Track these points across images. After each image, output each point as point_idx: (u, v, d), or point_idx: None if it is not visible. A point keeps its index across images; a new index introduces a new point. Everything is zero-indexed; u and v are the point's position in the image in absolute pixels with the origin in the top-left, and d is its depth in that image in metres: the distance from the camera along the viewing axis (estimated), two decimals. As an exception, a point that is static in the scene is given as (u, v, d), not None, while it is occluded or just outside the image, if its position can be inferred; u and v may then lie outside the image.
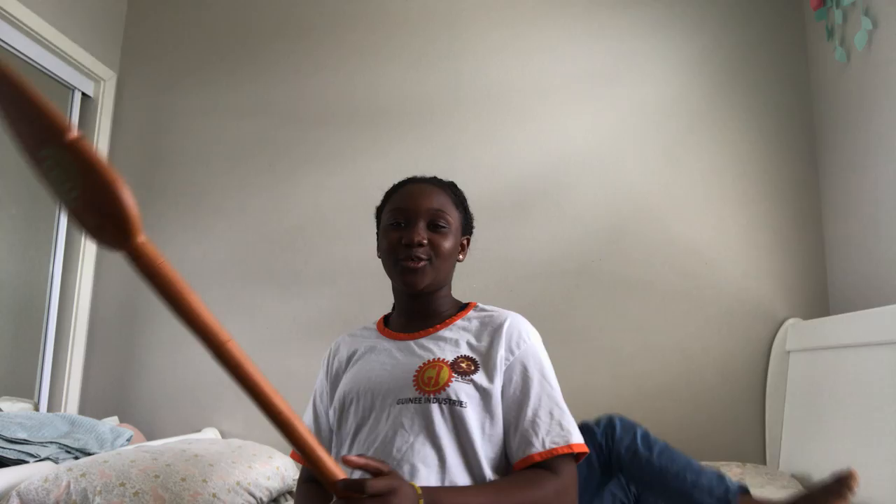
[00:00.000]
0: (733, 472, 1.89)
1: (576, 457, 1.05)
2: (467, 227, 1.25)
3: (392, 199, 1.21)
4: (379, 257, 1.22)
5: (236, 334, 2.75)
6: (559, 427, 1.04)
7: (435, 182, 1.23)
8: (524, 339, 1.12)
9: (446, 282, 1.22)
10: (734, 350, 2.25)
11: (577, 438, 1.04)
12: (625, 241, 2.37)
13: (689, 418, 2.23)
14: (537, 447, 1.02)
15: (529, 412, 1.05)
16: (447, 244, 1.16)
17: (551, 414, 1.05)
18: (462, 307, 1.23)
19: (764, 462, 2.13)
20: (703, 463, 1.97)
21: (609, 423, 1.35)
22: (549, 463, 1.02)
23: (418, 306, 1.20)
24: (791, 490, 1.71)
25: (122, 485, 1.60)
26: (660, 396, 2.24)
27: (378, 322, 1.27)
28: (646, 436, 1.33)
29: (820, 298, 2.25)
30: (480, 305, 1.22)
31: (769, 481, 1.79)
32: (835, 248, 2.24)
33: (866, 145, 2.03)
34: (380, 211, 1.25)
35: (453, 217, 1.18)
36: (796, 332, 2.15)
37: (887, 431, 1.54)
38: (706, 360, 2.26)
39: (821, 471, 1.77)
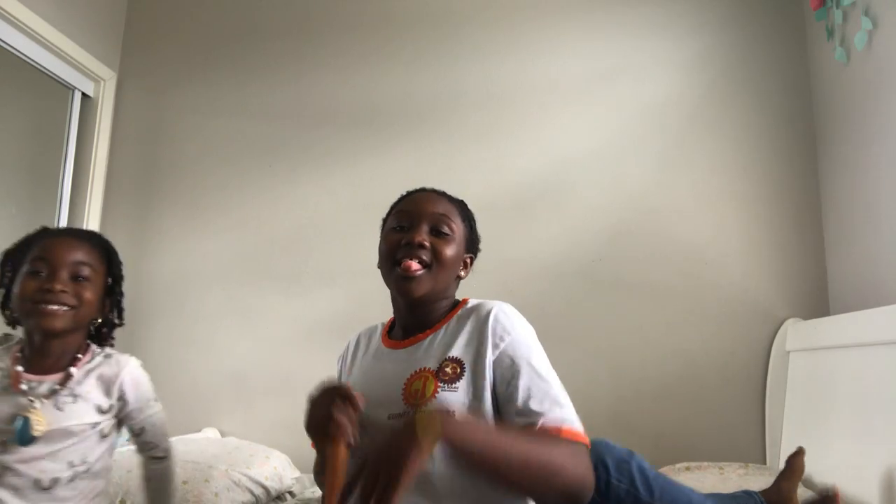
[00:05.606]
0: (737, 473, 1.89)
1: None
2: (472, 244, 1.22)
3: (397, 206, 1.20)
4: (379, 267, 1.18)
5: (236, 334, 2.75)
6: (551, 415, 0.99)
7: (443, 193, 1.22)
8: (507, 330, 1.08)
9: (446, 294, 1.17)
10: (734, 350, 2.25)
11: (572, 426, 0.99)
12: (625, 241, 2.37)
13: (689, 418, 2.23)
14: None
15: (520, 404, 1.00)
16: (449, 251, 1.13)
17: (542, 403, 1.00)
18: (453, 306, 1.20)
19: (764, 462, 2.13)
20: (705, 463, 1.98)
21: (600, 461, 1.20)
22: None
23: (415, 318, 1.17)
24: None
25: (123, 502, 1.61)
26: (660, 397, 2.24)
27: (385, 325, 1.26)
28: (642, 472, 1.23)
29: (820, 298, 2.25)
30: (471, 301, 1.19)
31: (771, 480, 1.78)
32: (835, 248, 2.24)
33: (866, 145, 2.03)
34: (385, 222, 1.23)
35: (458, 226, 1.16)
36: (796, 332, 2.15)
37: (887, 431, 1.54)
38: (706, 360, 2.25)
39: (820, 471, 1.77)
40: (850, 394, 1.74)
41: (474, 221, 1.25)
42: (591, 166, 2.44)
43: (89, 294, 1.26)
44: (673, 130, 2.42)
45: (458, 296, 1.25)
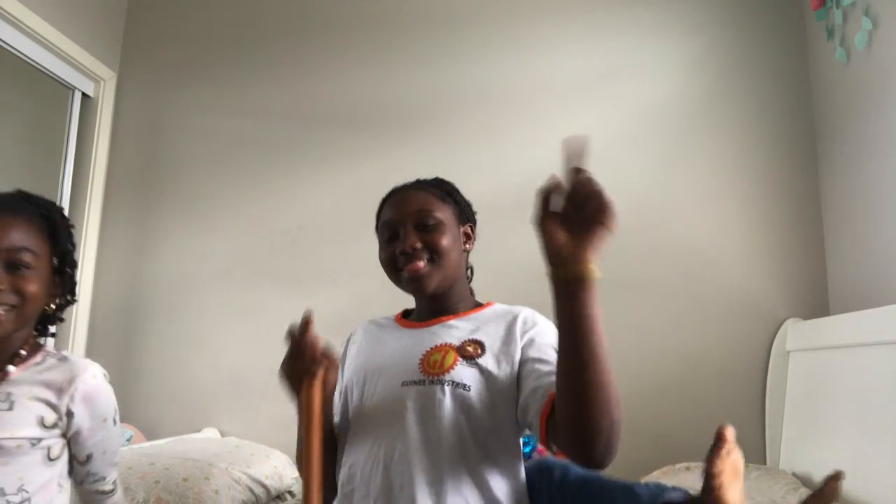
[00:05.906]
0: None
1: None
2: (464, 216, 1.24)
3: (380, 216, 1.23)
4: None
5: (236, 334, 2.76)
6: None
7: (415, 185, 1.23)
8: (536, 322, 1.13)
9: (458, 275, 1.21)
10: (734, 350, 2.25)
11: None
12: (624, 240, 2.34)
13: (689, 418, 2.22)
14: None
15: (546, 367, 1.01)
16: (443, 240, 1.15)
17: None
18: (478, 305, 1.24)
19: (764, 462, 2.13)
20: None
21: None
22: None
23: (438, 304, 1.20)
24: (791, 488, 1.70)
25: None
26: (659, 397, 2.24)
27: (397, 314, 1.29)
28: (564, 472, 1.19)
29: (820, 298, 2.25)
30: (498, 304, 1.23)
31: (771, 481, 1.78)
32: (835, 248, 2.24)
33: (866, 145, 2.03)
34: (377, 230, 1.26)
35: (442, 212, 1.18)
36: (796, 332, 2.15)
37: (887, 431, 1.54)
38: (706, 360, 2.25)
39: (821, 471, 1.77)
40: (850, 394, 1.74)
41: (457, 192, 1.26)
42: (590, 166, 2.43)
43: (33, 286, 1.03)
44: (673, 130, 2.42)
45: (480, 299, 1.29)
